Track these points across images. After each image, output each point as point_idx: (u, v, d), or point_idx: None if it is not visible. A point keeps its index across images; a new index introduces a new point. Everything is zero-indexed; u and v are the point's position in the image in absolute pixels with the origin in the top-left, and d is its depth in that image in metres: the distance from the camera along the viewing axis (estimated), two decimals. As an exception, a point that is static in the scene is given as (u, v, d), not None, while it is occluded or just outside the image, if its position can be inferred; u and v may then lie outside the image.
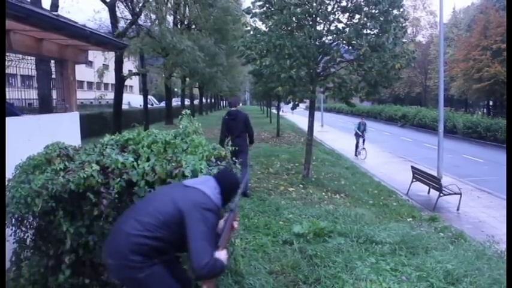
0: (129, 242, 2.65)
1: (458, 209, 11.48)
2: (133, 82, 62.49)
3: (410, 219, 9.43)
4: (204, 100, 59.47)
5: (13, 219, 3.36)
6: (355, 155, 20.64)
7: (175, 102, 47.14)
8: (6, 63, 6.82)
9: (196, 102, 52.17)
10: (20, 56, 6.69)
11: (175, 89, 44.98)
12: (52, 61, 6.40)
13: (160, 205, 2.77)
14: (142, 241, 2.65)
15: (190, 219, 2.69)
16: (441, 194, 11.61)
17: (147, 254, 2.67)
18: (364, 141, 20.63)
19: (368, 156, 20.05)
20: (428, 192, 12.87)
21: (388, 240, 5.61)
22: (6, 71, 8.62)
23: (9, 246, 3.52)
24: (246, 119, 8.97)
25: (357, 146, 20.69)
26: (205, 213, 2.73)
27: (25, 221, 3.47)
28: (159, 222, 2.69)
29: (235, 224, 3.07)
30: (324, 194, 10.24)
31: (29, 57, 7.02)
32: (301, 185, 10.71)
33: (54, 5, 14.76)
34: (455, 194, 11.66)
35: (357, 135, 20.66)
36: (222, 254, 2.71)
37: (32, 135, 4.60)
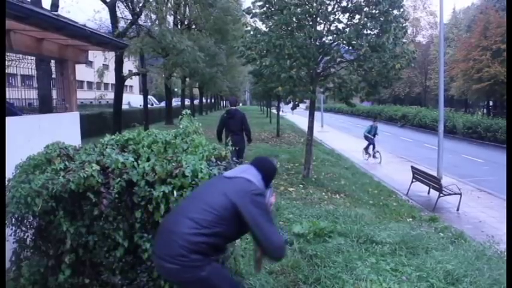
0: (187, 242, 2.62)
1: (458, 209, 11.48)
2: (134, 82, 62.51)
3: (410, 219, 9.42)
4: (204, 100, 59.48)
5: (13, 219, 3.36)
6: (365, 157, 19.69)
7: (176, 102, 47.16)
8: (6, 63, 6.82)
9: (196, 102, 52.19)
10: (20, 55, 6.68)
11: (176, 89, 44.99)
12: (52, 61, 6.40)
13: (212, 200, 2.76)
14: (201, 239, 2.64)
15: (247, 208, 2.74)
16: (441, 194, 11.61)
17: (206, 252, 2.67)
18: (374, 145, 19.61)
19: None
20: (428, 192, 12.87)
21: (388, 241, 5.60)
22: (6, 71, 8.61)
23: (9, 246, 3.52)
24: (243, 118, 10.01)
25: (366, 149, 19.85)
26: (257, 198, 2.80)
27: (25, 221, 3.47)
28: (216, 217, 2.70)
29: (273, 199, 3.22)
30: (324, 194, 10.24)
31: (29, 57, 7.02)
32: (301, 185, 10.71)
33: (55, 5, 14.76)
34: (455, 194, 11.65)
35: (367, 138, 19.83)
36: None
37: (32, 135, 4.60)
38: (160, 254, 2.69)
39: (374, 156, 19.33)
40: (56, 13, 5.18)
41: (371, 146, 19.67)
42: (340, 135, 31.84)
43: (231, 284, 2.89)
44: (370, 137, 19.55)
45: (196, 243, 2.63)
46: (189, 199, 2.94)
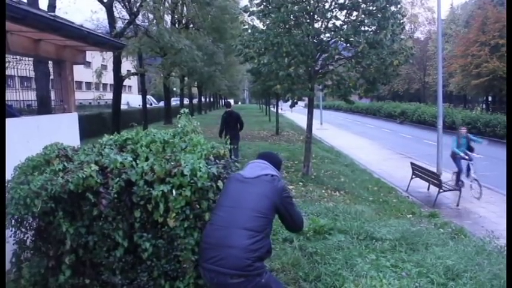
0: (251, 251, 2.72)
1: (458, 205, 11.49)
2: (132, 82, 62.45)
3: (410, 215, 9.44)
4: (203, 99, 59.46)
5: (13, 221, 3.36)
6: (456, 185, 12.38)
7: (174, 101, 47.15)
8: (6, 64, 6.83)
9: (195, 101, 52.17)
10: (18, 57, 6.68)
11: (174, 89, 44.99)
12: (50, 62, 6.39)
13: (259, 205, 2.93)
14: (261, 244, 2.79)
15: (285, 204, 3.09)
16: (441, 190, 11.62)
17: (265, 256, 2.87)
18: (469, 169, 12.54)
19: (368, 153, 19.73)
20: (428, 188, 12.87)
21: (388, 237, 5.61)
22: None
23: (9, 247, 3.52)
24: (238, 116, 13.02)
25: (458, 175, 12.73)
26: (287, 192, 3.18)
27: (25, 222, 3.46)
28: (266, 220, 2.91)
29: None
30: (323, 191, 10.25)
31: (27, 59, 7.01)
32: (300, 183, 10.72)
33: (52, 6, 14.75)
34: (454, 189, 11.67)
35: (455, 157, 12.88)
36: None
37: (31, 137, 4.60)
38: (224, 271, 2.72)
39: (469, 186, 12.29)
40: (53, 14, 5.18)
41: (465, 166, 12.71)
42: (339, 132, 31.85)
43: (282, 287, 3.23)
44: (462, 155, 12.62)
45: (258, 249, 2.75)
46: (229, 210, 2.96)
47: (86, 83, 51.88)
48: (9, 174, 3.46)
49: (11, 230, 3.44)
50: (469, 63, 37.78)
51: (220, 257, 2.75)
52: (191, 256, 3.23)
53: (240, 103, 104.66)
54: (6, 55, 6.15)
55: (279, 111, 27.55)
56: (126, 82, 25.06)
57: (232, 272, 2.68)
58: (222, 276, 2.72)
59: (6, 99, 8.64)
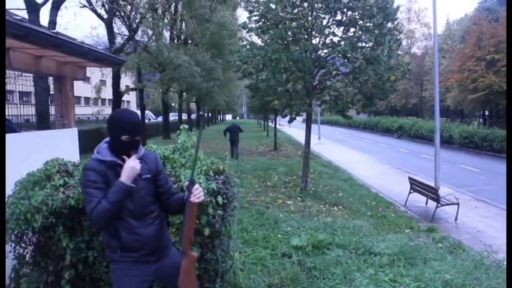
0: None
1: (456, 219, 11.50)
2: (131, 97, 62.51)
3: (409, 230, 9.44)
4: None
5: (13, 236, 3.36)
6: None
7: (173, 116, 47.24)
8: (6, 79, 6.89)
9: (193, 116, 52.31)
10: (17, 72, 6.74)
11: (173, 104, 45.12)
12: (50, 77, 6.45)
13: None
14: None
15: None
16: (439, 205, 11.63)
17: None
18: None
19: (366, 168, 19.79)
20: (426, 203, 12.89)
21: (386, 252, 5.62)
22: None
23: (9, 262, 3.52)
24: (239, 126, 19.65)
25: None
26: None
27: (24, 237, 3.46)
28: None
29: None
30: (322, 206, 10.26)
31: (27, 74, 7.08)
32: (299, 198, 10.74)
33: (52, 22, 14.88)
34: (452, 204, 11.68)
35: None
36: None
37: (31, 152, 4.62)
38: None
39: None
40: (54, 31, 5.25)
41: None
42: (337, 147, 31.91)
43: None
44: None
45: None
46: None
47: (85, 98, 51.99)
48: (10, 189, 3.48)
49: (11, 245, 3.44)
50: (466, 78, 38.05)
51: None
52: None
53: (238, 118, 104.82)
54: (7, 71, 6.21)
55: (277, 126, 27.62)
56: (125, 97, 25.19)
57: None
58: None
59: (5, 114, 8.68)
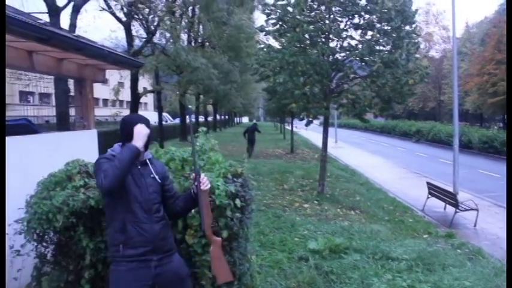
0: None
1: (475, 225, 11.33)
2: (148, 99, 63.06)
3: (427, 235, 9.34)
4: (218, 117, 59.83)
5: (35, 235, 3.42)
6: None
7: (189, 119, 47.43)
8: (25, 82, 7.02)
9: (210, 118, 52.52)
10: (38, 75, 6.85)
11: (190, 106, 45.34)
12: (70, 79, 6.55)
13: None
14: None
15: None
16: (457, 210, 11.48)
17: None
18: None
19: (383, 172, 19.65)
20: (445, 208, 12.74)
21: (404, 257, 5.57)
22: (25, 89, 8.84)
23: (30, 261, 3.59)
24: (256, 127, 21.71)
25: None
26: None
27: (46, 237, 3.53)
28: None
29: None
30: (338, 210, 10.21)
31: (47, 76, 7.19)
32: (316, 202, 10.70)
33: (73, 25, 15.10)
34: (472, 210, 11.51)
35: None
36: None
37: (53, 153, 4.70)
38: None
39: None
40: (75, 34, 5.33)
41: None
42: (354, 150, 31.72)
43: None
44: None
45: None
46: None
47: (103, 99, 52.58)
48: (32, 189, 3.54)
49: (33, 244, 3.51)
50: (485, 82, 37.57)
51: None
52: (208, 273, 3.26)
53: (254, 121, 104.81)
54: (29, 73, 6.33)
55: (294, 129, 27.57)
56: (143, 99, 25.46)
57: None
58: None
59: (26, 114, 8.84)
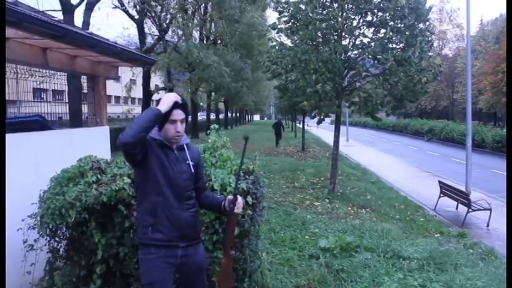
0: None
1: (488, 225, 11.22)
2: (160, 96, 63.45)
3: (438, 234, 9.27)
4: (229, 114, 59.93)
5: (47, 230, 3.46)
6: None
7: (201, 116, 47.64)
8: (40, 78, 7.08)
9: (221, 116, 52.64)
10: (52, 72, 6.90)
11: (201, 103, 45.50)
12: (83, 76, 6.60)
13: None
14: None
15: None
16: (470, 210, 11.37)
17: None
18: None
19: (395, 171, 19.53)
20: (457, 207, 12.63)
21: (415, 256, 5.53)
22: (39, 86, 8.93)
23: (43, 255, 3.63)
24: (281, 123, 27.67)
25: None
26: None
27: (59, 232, 3.57)
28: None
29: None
30: (349, 208, 10.17)
31: (61, 73, 7.25)
32: (326, 200, 10.67)
33: (86, 23, 15.22)
34: (484, 209, 11.39)
35: None
36: None
37: (66, 149, 4.74)
38: None
39: None
40: (89, 31, 5.37)
41: None
42: (365, 149, 31.56)
43: None
44: None
45: None
46: None
47: (115, 96, 52.99)
48: (45, 184, 3.58)
49: (46, 239, 3.55)
50: (500, 80, 37.12)
51: None
52: (219, 269, 3.27)
53: (266, 118, 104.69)
54: (43, 70, 6.39)
55: (305, 127, 27.52)
56: (155, 96, 25.48)
57: None
58: None
59: (40, 111, 8.92)
